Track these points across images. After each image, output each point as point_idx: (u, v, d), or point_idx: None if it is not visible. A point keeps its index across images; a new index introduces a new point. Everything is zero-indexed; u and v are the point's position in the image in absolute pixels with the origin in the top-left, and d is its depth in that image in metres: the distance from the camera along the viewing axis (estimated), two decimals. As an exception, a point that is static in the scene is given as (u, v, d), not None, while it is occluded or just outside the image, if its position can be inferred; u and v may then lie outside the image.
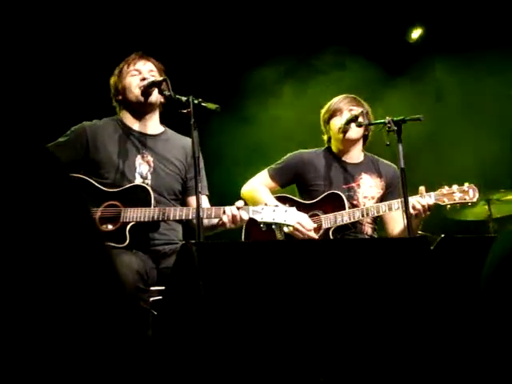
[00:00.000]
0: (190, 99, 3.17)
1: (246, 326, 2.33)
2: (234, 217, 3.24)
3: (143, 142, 3.49)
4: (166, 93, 3.32)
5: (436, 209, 3.71)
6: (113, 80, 3.55)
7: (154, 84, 3.38)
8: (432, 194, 3.66)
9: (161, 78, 3.38)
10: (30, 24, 4.75)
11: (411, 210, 3.53)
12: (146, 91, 3.40)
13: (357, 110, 3.88)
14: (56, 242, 0.79)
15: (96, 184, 3.33)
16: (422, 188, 3.66)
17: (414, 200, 3.59)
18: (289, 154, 4.11)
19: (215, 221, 3.35)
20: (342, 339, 2.43)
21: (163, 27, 5.22)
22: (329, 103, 4.06)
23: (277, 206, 3.29)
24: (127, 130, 3.51)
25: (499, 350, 1.03)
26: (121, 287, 0.87)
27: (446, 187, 3.68)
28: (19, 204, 0.78)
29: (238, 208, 3.25)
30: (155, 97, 3.43)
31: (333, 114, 3.99)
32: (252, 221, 3.30)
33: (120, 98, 3.52)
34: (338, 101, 4.02)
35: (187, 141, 3.46)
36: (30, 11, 4.75)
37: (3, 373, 0.73)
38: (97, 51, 4.87)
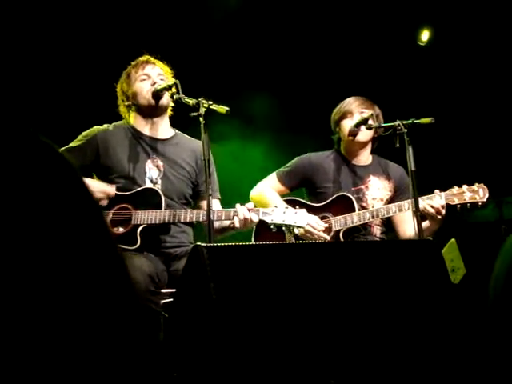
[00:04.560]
0: (200, 102, 3.18)
1: (256, 328, 2.33)
2: (244, 219, 3.24)
3: (153, 146, 3.50)
4: (176, 96, 3.33)
5: (446, 211, 3.69)
6: (120, 86, 3.54)
7: (165, 88, 3.38)
8: (442, 194, 3.64)
9: (171, 82, 3.38)
10: (41, 29, 4.77)
11: (430, 209, 3.53)
12: (158, 95, 3.41)
13: (367, 113, 3.87)
14: (69, 244, 0.80)
15: None
16: (436, 191, 3.65)
17: (425, 203, 3.57)
18: (297, 157, 4.09)
19: (226, 223, 3.35)
20: (352, 341, 2.43)
21: (170, 29, 5.23)
22: (340, 104, 4.04)
23: (287, 207, 3.29)
24: (137, 135, 3.51)
25: (509, 354, 1.03)
26: (132, 290, 0.87)
27: (456, 187, 3.66)
28: (33, 206, 0.79)
29: (249, 210, 3.25)
30: (166, 100, 3.43)
31: (343, 115, 3.98)
32: (262, 224, 3.30)
33: (130, 103, 3.52)
34: (348, 102, 4.00)
35: (197, 144, 3.45)
36: (41, 16, 4.78)
37: (9, 374, 0.73)
38: (109, 56, 4.88)
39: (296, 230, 3.29)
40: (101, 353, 0.79)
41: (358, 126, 3.85)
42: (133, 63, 3.55)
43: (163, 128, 3.56)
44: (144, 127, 3.52)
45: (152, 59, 3.55)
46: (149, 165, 3.45)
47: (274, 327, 2.36)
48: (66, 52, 4.87)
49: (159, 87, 3.39)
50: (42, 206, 0.79)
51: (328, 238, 3.71)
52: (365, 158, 4.04)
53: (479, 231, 5.21)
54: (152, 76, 3.47)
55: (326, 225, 3.73)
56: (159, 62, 3.56)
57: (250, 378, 2.28)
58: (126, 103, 3.53)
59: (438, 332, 2.49)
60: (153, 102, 3.43)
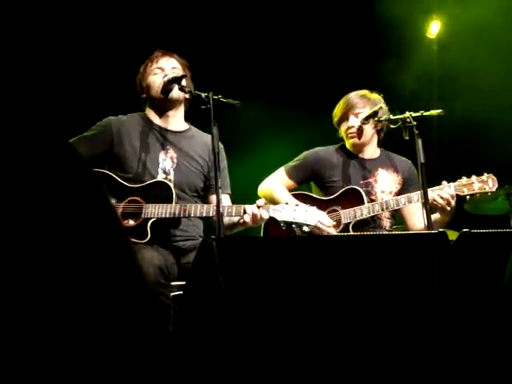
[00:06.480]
0: (210, 95, 3.18)
1: (266, 321, 2.34)
2: (254, 215, 3.24)
3: (167, 138, 3.51)
4: (187, 89, 3.34)
5: (456, 203, 3.67)
6: (138, 78, 3.57)
7: (173, 81, 3.38)
8: (451, 184, 3.64)
9: (179, 75, 3.39)
10: (56, 20, 4.78)
11: (439, 200, 3.53)
12: (166, 88, 3.41)
13: (370, 110, 3.85)
14: (78, 237, 0.81)
15: (118, 179, 3.35)
16: (444, 182, 3.65)
17: (434, 194, 3.57)
18: (305, 152, 4.10)
19: (236, 219, 3.35)
20: (364, 335, 2.44)
21: (189, 23, 5.23)
22: (339, 104, 4.02)
23: (297, 205, 3.28)
24: (151, 126, 3.53)
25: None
26: (143, 282, 0.88)
27: (465, 178, 3.66)
28: (41, 199, 0.79)
29: (259, 207, 3.26)
30: (176, 93, 3.43)
31: (341, 118, 3.99)
32: (271, 219, 3.29)
33: (144, 95, 3.54)
34: (347, 102, 3.97)
35: (210, 138, 3.47)
36: (55, 9, 4.79)
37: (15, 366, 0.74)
38: (125, 47, 4.89)
39: (306, 228, 3.28)
40: (110, 345, 0.79)
41: (367, 119, 3.85)
42: (150, 56, 3.55)
43: (176, 121, 3.56)
44: (157, 119, 3.54)
45: (168, 52, 3.55)
46: (162, 156, 3.46)
47: (284, 320, 2.36)
48: (80, 45, 4.88)
49: (166, 79, 3.40)
50: (51, 199, 0.80)
51: (335, 233, 3.71)
52: (372, 151, 4.04)
53: (488, 224, 5.18)
54: (165, 69, 3.47)
55: (334, 222, 3.74)
56: (175, 54, 3.55)
57: (260, 371, 2.29)
58: (141, 95, 3.55)
59: (450, 326, 2.49)
60: (162, 95, 3.43)
